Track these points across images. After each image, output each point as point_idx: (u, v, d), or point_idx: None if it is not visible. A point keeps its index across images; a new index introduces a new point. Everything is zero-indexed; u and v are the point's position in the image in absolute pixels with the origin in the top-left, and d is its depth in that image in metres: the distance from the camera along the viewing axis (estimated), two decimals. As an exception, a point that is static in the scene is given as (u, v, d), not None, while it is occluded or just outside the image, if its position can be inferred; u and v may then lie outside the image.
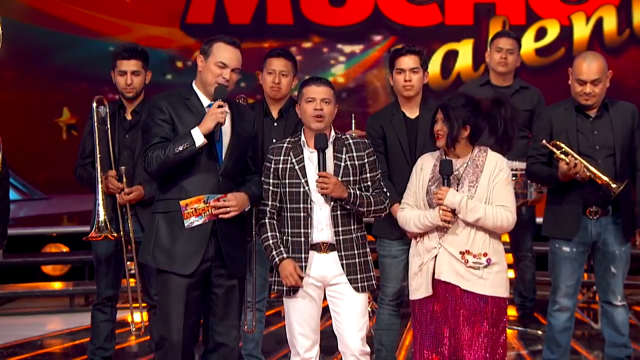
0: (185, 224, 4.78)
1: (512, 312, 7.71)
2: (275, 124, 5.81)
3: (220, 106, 4.77)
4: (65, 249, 9.73)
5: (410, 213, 4.97)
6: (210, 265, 4.84)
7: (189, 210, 4.78)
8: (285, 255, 4.85)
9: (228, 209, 4.77)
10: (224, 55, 4.84)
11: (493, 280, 4.84)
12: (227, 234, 4.86)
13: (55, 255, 9.71)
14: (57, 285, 9.38)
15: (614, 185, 5.59)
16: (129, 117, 5.96)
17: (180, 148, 4.72)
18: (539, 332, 7.07)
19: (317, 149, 4.82)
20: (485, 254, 4.84)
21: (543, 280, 7.62)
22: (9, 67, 9.47)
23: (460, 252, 4.83)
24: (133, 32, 9.59)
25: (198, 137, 4.73)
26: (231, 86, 4.89)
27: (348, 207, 4.83)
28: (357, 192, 4.85)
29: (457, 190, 4.85)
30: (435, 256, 4.86)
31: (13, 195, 7.42)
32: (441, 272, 4.84)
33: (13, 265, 9.40)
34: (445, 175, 4.84)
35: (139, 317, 6.10)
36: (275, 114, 5.84)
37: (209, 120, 4.75)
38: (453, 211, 4.81)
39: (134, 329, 6.25)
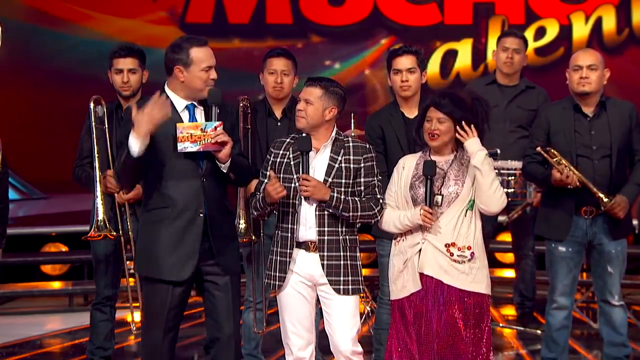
0: (178, 148, 4.62)
1: (511, 311, 7.71)
2: (279, 124, 5.82)
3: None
4: (64, 248, 9.71)
5: (391, 214, 4.90)
6: (199, 266, 4.78)
7: (184, 134, 4.60)
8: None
9: (225, 139, 4.64)
10: (207, 58, 4.74)
11: (475, 275, 4.80)
12: (217, 231, 4.80)
13: (54, 255, 9.69)
14: (56, 285, 9.36)
15: (605, 200, 5.63)
16: (126, 116, 5.95)
17: (122, 158, 4.63)
18: (538, 332, 7.07)
19: (300, 151, 4.79)
20: (469, 247, 4.80)
21: (543, 279, 7.61)
22: (9, 67, 9.46)
23: (446, 245, 4.79)
24: (133, 32, 9.58)
25: (134, 145, 4.55)
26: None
27: (331, 210, 4.79)
28: (342, 197, 4.79)
29: (443, 186, 4.81)
30: (420, 250, 4.82)
31: (12, 194, 7.42)
32: (424, 266, 4.80)
33: (12, 265, 9.38)
34: (429, 175, 4.78)
35: (138, 316, 6.06)
36: (278, 114, 5.85)
37: (142, 124, 4.53)
38: (432, 212, 4.76)
39: (133, 328, 6.26)
